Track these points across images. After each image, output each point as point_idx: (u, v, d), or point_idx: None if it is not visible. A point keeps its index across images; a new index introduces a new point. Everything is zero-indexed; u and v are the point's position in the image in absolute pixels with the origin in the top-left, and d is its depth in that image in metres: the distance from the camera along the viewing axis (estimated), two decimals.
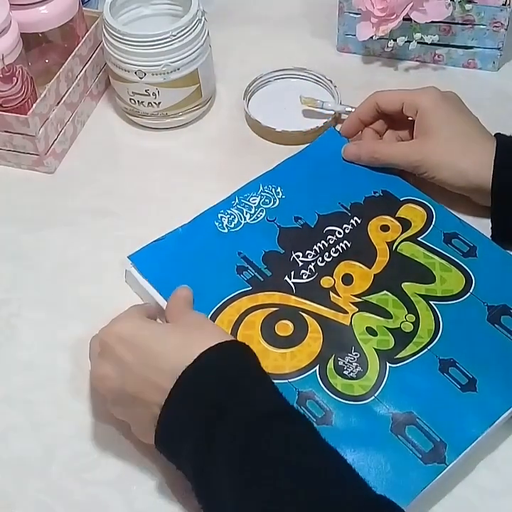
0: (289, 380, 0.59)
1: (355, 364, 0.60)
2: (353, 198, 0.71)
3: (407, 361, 0.60)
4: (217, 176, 0.77)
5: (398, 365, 0.59)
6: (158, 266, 0.67)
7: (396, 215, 0.69)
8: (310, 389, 0.59)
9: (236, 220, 0.70)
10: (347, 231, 0.68)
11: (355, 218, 0.69)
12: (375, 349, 0.60)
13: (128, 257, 0.67)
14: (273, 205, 0.71)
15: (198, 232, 0.69)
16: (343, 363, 0.60)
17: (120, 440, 0.60)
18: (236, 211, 0.70)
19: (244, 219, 0.70)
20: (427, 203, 0.70)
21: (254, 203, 0.71)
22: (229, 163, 0.79)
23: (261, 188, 0.72)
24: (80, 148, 0.82)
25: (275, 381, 0.58)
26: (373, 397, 0.58)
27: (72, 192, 0.78)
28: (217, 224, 0.69)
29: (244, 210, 0.70)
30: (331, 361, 0.60)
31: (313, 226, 0.69)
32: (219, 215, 0.70)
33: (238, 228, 0.69)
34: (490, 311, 0.62)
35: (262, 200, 0.71)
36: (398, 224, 0.69)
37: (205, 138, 0.82)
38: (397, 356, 0.60)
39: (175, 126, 0.82)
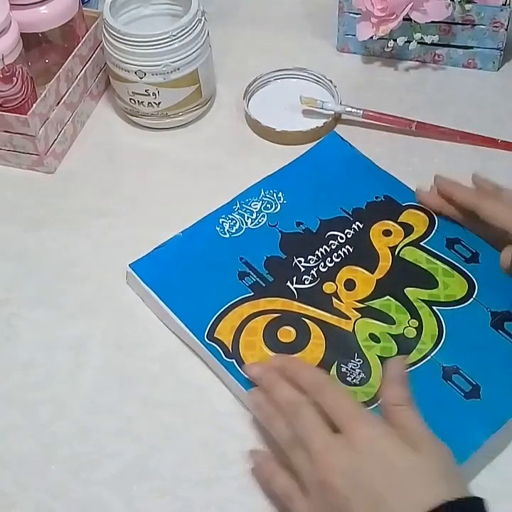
0: None
1: (358, 370, 0.60)
2: (354, 203, 0.71)
3: (410, 370, 0.59)
4: (217, 176, 0.77)
5: None
6: (159, 272, 0.66)
7: (398, 220, 0.69)
8: None
9: (237, 225, 0.70)
10: (349, 236, 0.68)
11: (357, 223, 0.69)
12: (378, 356, 0.60)
13: (129, 265, 0.67)
14: (274, 210, 0.71)
15: (199, 237, 0.69)
16: (346, 369, 0.60)
17: (120, 439, 0.60)
18: (237, 216, 0.70)
19: (246, 224, 0.70)
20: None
21: (256, 208, 0.71)
22: (229, 163, 0.79)
23: (262, 193, 0.72)
24: (80, 148, 0.81)
25: None
26: (377, 405, 0.57)
27: (72, 192, 0.77)
28: (218, 229, 0.69)
29: (246, 215, 0.70)
30: (334, 368, 0.60)
31: (315, 231, 0.69)
32: (220, 220, 0.70)
33: (239, 233, 0.69)
34: (493, 316, 0.62)
35: (264, 205, 0.71)
36: (400, 229, 0.69)
37: (205, 138, 0.82)
38: None
39: (175, 126, 0.82)
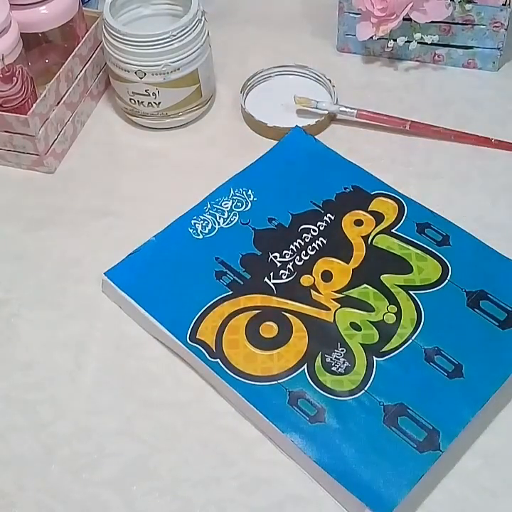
0: (279, 381, 0.59)
1: (343, 360, 0.60)
2: (324, 195, 0.71)
3: (393, 354, 0.60)
4: (217, 175, 0.77)
5: (385, 358, 0.60)
6: (136, 278, 0.67)
7: (368, 209, 0.70)
8: (300, 388, 0.59)
9: (210, 226, 0.70)
10: (322, 228, 0.69)
11: (329, 215, 0.70)
12: (360, 344, 0.61)
13: (104, 274, 0.67)
14: (245, 208, 0.71)
15: (173, 240, 0.69)
16: (331, 359, 0.60)
17: (120, 439, 0.60)
18: (209, 216, 0.70)
19: (218, 224, 0.70)
20: (397, 196, 0.71)
21: (227, 207, 0.71)
22: (229, 163, 0.78)
23: (232, 192, 0.72)
24: (80, 148, 0.82)
25: (265, 383, 0.60)
26: (363, 391, 0.58)
27: (72, 192, 0.78)
28: (191, 230, 0.69)
29: (217, 214, 0.71)
30: (319, 359, 0.60)
31: (287, 226, 0.69)
32: (192, 222, 0.70)
33: (213, 233, 0.69)
34: (468, 296, 0.63)
35: (234, 203, 0.71)
36: (371, 217, 0.69)
37: (205, 138, 0.82)
38: (383, 350, 0.61)
39: (175, 126, 0.82)
